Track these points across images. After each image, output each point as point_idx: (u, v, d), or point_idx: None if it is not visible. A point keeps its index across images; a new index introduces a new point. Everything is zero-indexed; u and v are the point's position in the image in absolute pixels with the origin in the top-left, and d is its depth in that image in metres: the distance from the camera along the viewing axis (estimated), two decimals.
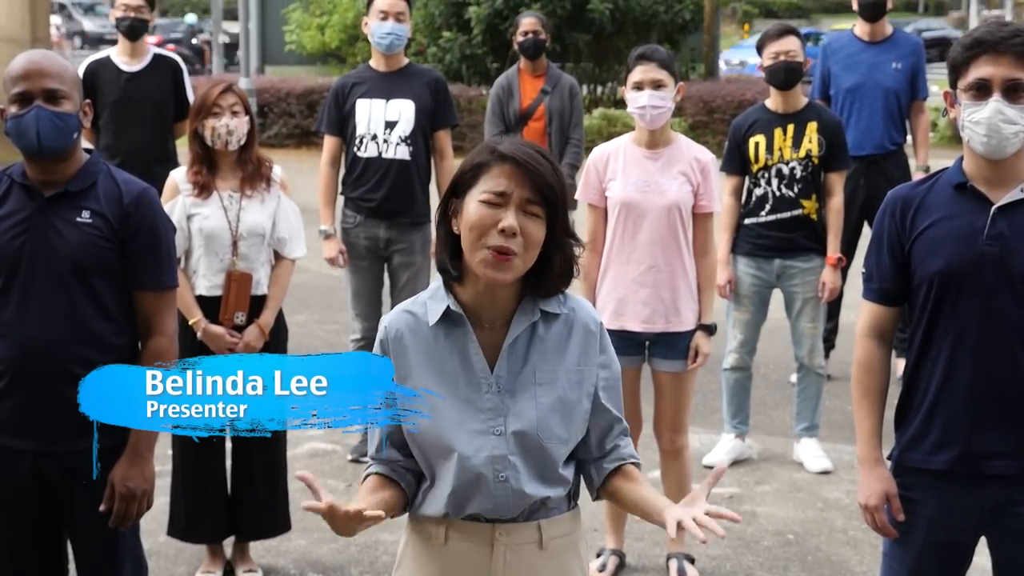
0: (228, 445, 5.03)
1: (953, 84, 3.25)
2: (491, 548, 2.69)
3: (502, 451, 2.66)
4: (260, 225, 4.87)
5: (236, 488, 5.02)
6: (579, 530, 2.83)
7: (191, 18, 43.12)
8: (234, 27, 26.50)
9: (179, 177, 4.90)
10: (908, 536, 3.37)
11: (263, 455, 4.98)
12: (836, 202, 6.21)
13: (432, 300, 2.71)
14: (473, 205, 2.60)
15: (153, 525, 4.92)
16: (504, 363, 2.68)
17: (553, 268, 2.66)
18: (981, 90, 3.16)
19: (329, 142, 6.57)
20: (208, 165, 4.86)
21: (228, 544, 5.13)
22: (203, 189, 4.84)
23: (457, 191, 2.65)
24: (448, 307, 2.67)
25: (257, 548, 5.18)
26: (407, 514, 2.80)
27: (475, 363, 2.68)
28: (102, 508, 3.48)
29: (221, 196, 4.85)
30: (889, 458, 3.44)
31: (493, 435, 2.66)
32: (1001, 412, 3.22)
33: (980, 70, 3.16)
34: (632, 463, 2.79)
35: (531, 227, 2.59)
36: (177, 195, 4.84)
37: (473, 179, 2.62)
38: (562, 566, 2.75)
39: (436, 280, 2.75)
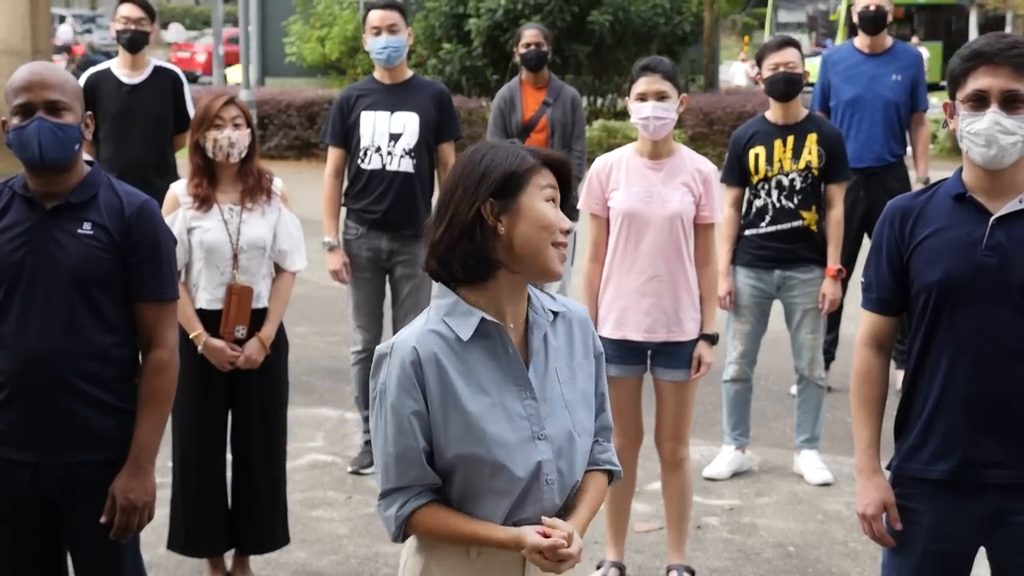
0: (229, 457, 5.03)
1: (952, 95, 3.27)
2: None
3: (548, 455, 2.69)
4: (261, 238, 4.87)
5: (237, 501, 5.02)
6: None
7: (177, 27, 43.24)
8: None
9: (179, 190, 4.90)
10: (907, 546, 3.38)
11: (264, 468, 4.99)
12: (836, 214, 6.23)
13: (452, 316, 2.67)
14: (540, 205, 2.66)
15: (153, 537, 4.92)
16: (533, 368, 2.72)
17: None
18: (979, 101, 3.18)
19: (333, 154, 6.58)
20: (209, 178, 4.86)
21: (228, 557, 5.12)
22: (204, 202, 4.84)
23: (503, 193, 2.66)
24: (483, 318, 2.66)
25: (257, 561, 5.18)
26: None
27: (515, 371, 2.69)
28: (103, 520, 3.49)
29: (221, 209, 4.85)
30: (888, 468, 3.45)
31: (538, 440, 2.68)
32: (1000, 422, 3.24)
33: (978, 81, 3.18)
34: (605, 470, 2.89)
35: None
36: (177, 208, 4.83)
37: (524, 181, 2.66)
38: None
39: (438, 298, 2.72)
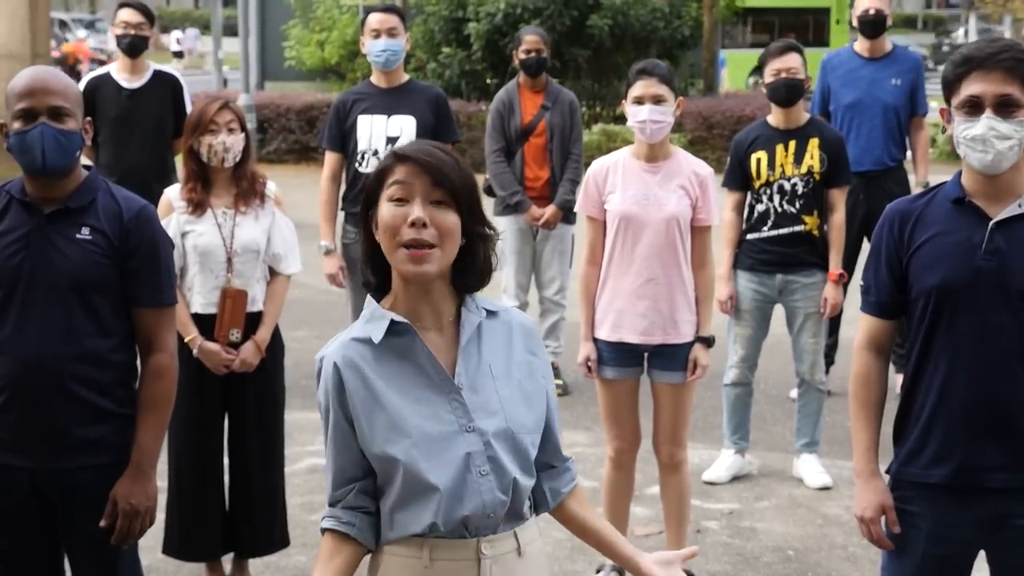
0: (226, 461, 5.03)
1: (948, 101, 3.28)
2: (478, 563, 2.68)
3: (478, 447, 2.67)
4: (255, 241, 4.87)
5: (234, 505, 5.02)
6: (540, 537, 2.84)
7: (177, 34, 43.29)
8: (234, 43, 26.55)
9: (173, 195, 4.90)
10: (906, 550, 3.39)
11: (261, 471, 4.99)
12: (838, 218, 6.23)
13: (369, 323, 2.70)
14: (384, 207, 2.63)
15: (151, 542, 4.91)
16: (463, 363, 2.71)
17: (477, 259, 2.70)
18: (973, 107, 3.19)
19: (330, 158, 6.59)
20: (203, 182, 4.86)
21: (227, 560, 5.12)
22: (197, 206, 4.84)
23: (369, 203, 2.66)
24: (392, 320, 2.67)
25: (256, 564, 5.18)
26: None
27: (431, 367, 2.69)
28: (103, 524, 3.49)
29: (215, 213, 4.85)
30: (887, 472, 3.45)
31: (466, 432, 2.67)
32: (999, 425, 3.24)
33: (971, 87, 3.19)
34: (576, 485, 2.92)
35: (440, 216, 2.62)
36: (171, 212, 4.83)
37: (379, 185, 2.65)
38: (537, 570, 2.79)
39: (366, 307, 2.74)
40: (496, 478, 2.68)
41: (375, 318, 2.69)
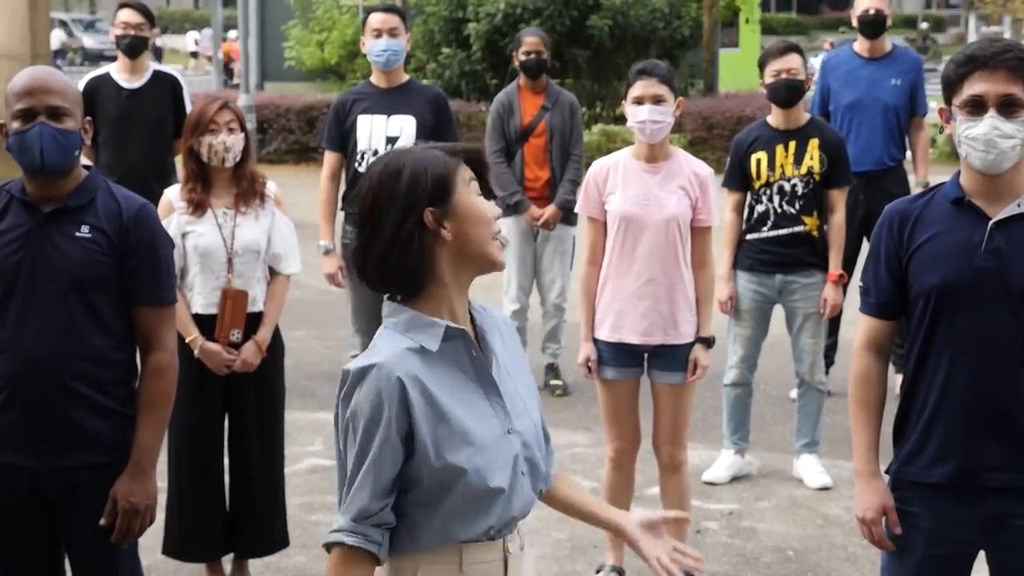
0: (226, 461, 5.04)
1: (948, 100, 3.28)
2: (504, 563, 2.70)
3: (519, 448, 2.69)
4: (255, 242, 4.87)
5: (235, 505, 5.02)
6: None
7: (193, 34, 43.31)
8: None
9: (173, 195, 4.90)
10: (906, 550, 3.39)
11: (262, 471, 4.99)
12: (838, 219, 6.23)
13: (413, 331, 2.62)
14: (476, 200, 2.65)
15: (151, 542, 4.91)
16: (495, 364, 2.72)
17: None
18: (976, 106, 3.19)
19: (329, 157, 6.60)
20: (203, 182, 4.86)
21: (227, 561, 5.13)
22: (197, 207, 4.84)
23: (438, 198, 2.62)
24: (448, 326, 2.63)
25: (256, 565, 5.18)
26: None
27: (481, 371, 2.68)
28: (102, 522, 3.49)
29: (215, 213, 4.85)
30: (887, 472, 3.45)
31: (509, 434, 2.68)
32: (999, 425, 3.24)
33: (974, 86, 3.19)
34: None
35: None
36: (171, 213, 4.84)
37: (453, 181, 2.64)
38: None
39: (393, 315, 2.66)
40: (531, 478, 2.73)
41: (422, 325, 2.63)
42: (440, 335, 2.62)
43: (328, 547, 2.62)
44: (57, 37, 39.44)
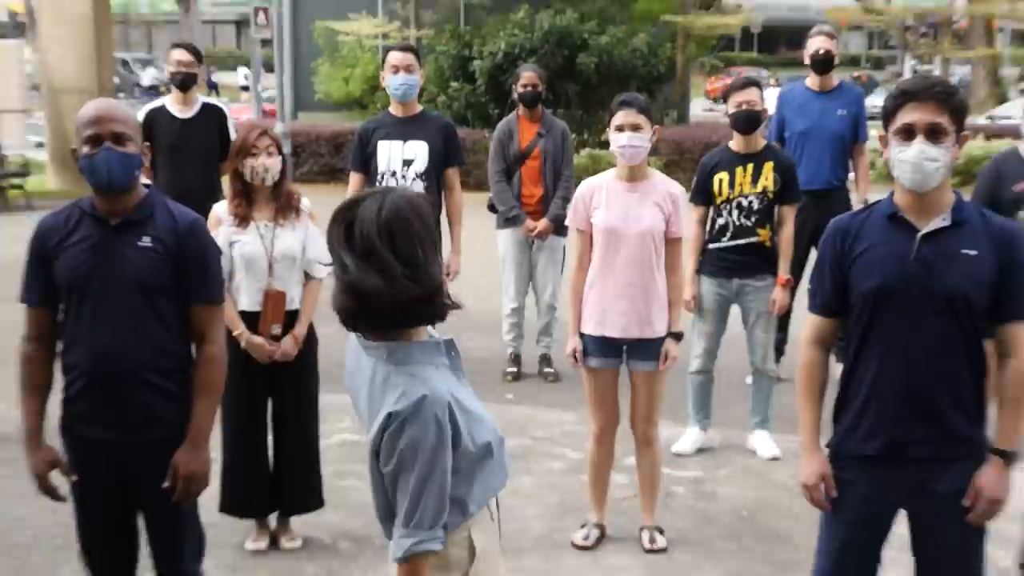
0: (270, 437, 5.06)
1: (885, 128, 3.30)
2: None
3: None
4: (292, 250, 4.89)
5: (278, 472, 5.06)
6: None
7: (243, 70, 43.25)
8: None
9: (221, 210, 4.92)
10: (841, 510, 3.42)
11: (300, 443, 5.03)
12: (788, 231, 6.25)
13: (428, 355, 2.61)
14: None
15: (211, 502, 4.94)
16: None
17: None
18: (907, 133, 3.19)
19: (354, 178, 6.62)
20: (247, 199, 4.89)
21: (272, 519, 5.19)
22: (243, 220, 4.86)
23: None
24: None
25: (296, 522, 5.23)
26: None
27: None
28: (165, 486, 3.53)
29: (258, 225, 4.87)
30: (828, 446, 3.48)
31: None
32: (922, 408, 3.27)
33: (906, 116, 3.20)
34: None
35: None
36: (220, 225, 4.86)
37: None
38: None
39: (407, 347, 2.59)
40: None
41: (430, 348, 2.63)
42: (444, 350, 2.67)
43: (404, 559, 2.52)
44: (151, 75, 39.53)
